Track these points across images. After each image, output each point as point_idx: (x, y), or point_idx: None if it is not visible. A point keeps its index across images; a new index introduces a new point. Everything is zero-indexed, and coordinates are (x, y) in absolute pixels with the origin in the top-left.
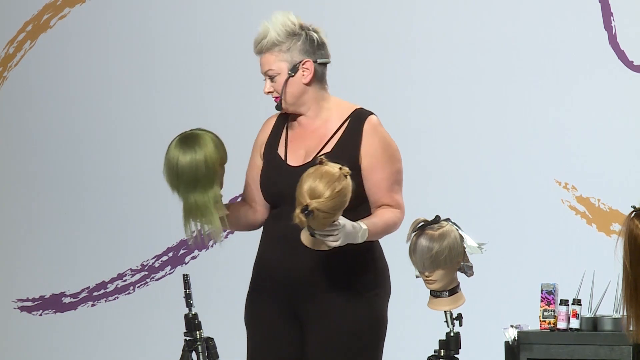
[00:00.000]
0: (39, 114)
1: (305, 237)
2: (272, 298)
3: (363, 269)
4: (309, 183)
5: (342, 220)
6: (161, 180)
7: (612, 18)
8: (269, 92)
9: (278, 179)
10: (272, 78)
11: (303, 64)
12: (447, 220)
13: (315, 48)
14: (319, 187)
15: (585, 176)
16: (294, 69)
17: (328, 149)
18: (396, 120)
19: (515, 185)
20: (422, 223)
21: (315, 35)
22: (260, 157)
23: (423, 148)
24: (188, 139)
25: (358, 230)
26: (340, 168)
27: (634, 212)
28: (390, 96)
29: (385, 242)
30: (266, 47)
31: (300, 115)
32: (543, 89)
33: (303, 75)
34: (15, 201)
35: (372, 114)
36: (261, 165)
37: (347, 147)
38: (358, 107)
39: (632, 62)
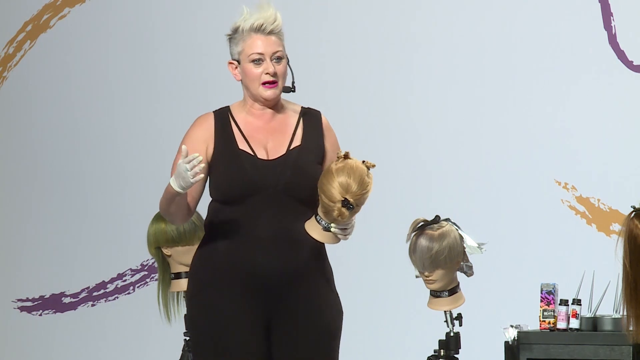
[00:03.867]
0: (39, 114)
1: (317, 233)
2: (241, 297)
3: (327, 263)
4: (344, 178)
5: None
6: (161, 180)
7: (612, 18)
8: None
9: (254, 173)
10: (278, 61)
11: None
12: (447, 220)
13: None
14: (353, 182)
15: (585, 176)
16: (287, 61)
17: (298, 142)
18: (396, 119)
19: (515, 185)
20: (422, 223)
21: None
22: (203, 154)
23: (423, 148)
24: None
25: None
26: (363, 162)
27: (634, 212)
28: (391, 96)
29: (385, 242)
30: (276, 30)
31: (270, 108)
32: (543, 89)
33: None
34: (16, 201)
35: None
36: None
37: (313, 140)
38: (302, 105)
39: (632, 62)
